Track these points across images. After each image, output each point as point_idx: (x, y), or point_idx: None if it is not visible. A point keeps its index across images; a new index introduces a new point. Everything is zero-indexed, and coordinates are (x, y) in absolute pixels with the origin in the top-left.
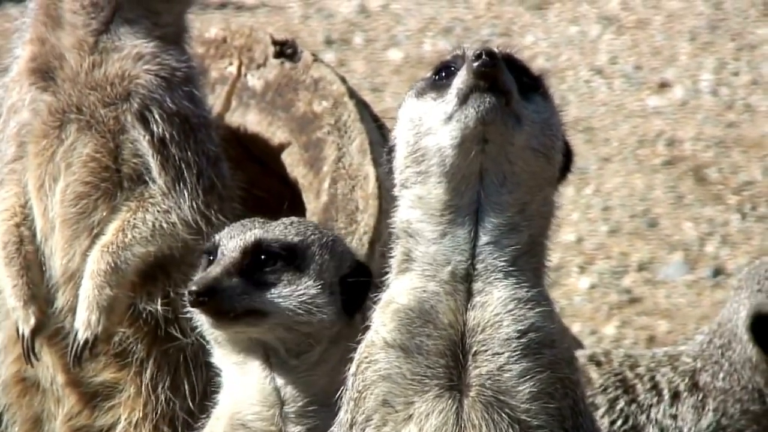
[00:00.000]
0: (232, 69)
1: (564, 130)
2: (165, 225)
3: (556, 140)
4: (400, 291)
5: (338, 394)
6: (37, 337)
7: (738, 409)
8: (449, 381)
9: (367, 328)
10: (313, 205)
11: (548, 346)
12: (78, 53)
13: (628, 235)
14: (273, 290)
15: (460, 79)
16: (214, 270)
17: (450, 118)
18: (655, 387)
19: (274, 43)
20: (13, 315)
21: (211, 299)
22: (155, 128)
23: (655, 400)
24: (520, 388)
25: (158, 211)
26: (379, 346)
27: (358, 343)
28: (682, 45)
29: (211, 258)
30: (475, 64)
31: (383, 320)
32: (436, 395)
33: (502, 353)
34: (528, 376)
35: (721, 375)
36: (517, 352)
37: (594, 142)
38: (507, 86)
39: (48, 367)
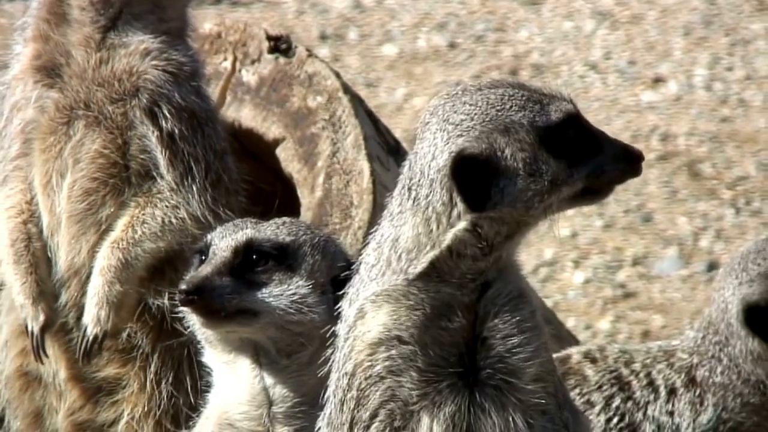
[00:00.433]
0: (227, 64)
1: None
2: (174, 220)
3: None
4: (410, 290)
5: (323, 396)
6: (46, 334)
7: (738, 403)
8: (461, 368)
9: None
10: (308, 200)
11: (545, 324)
12: (85, 50)
13: (623, 229)
14: (264, 290)
15: None
16: (205, 269)
17: None
18: (651, 384)
19: (269, 38)
20: (21, 312)
21: (202, 298)
22: (164, 124)
23: (651, 397)
24: (527, 370)
25: (167, 207)
26: (387, 344)
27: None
28: (676, 40)
29: (203, 257)
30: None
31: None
32: (450, 383)
33: (514, 335)
34: (533, 357)
35: (720, 370)
36: (526, 334)
37: None
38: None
39: (51, 361)
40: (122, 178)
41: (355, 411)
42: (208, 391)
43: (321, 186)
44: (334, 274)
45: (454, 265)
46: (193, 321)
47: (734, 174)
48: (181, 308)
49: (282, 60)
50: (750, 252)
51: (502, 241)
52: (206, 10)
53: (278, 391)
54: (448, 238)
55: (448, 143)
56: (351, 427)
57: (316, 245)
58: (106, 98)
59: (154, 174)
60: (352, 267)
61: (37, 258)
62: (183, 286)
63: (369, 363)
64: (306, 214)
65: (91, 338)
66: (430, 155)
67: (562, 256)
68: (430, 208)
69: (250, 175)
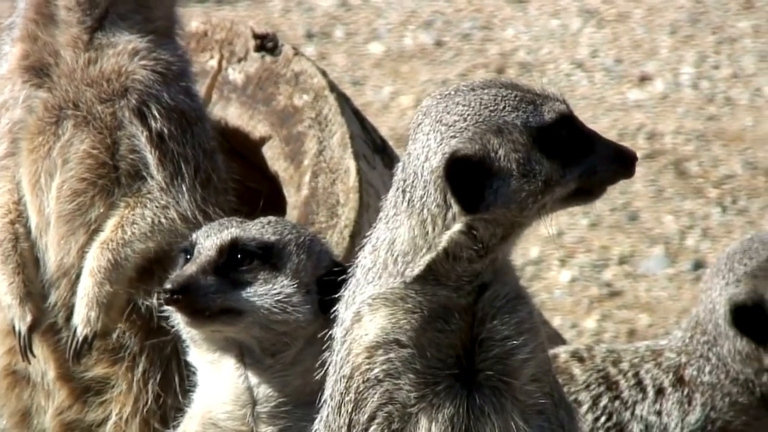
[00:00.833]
0: (213, 63)
1: None
2: (164, 220)
3: None
4: (408, 293)
5: (321, 399)
6: (34, 334)
7: (727, 402)
8: (459, 370)
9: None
10: (294, 199)
11: (542, 324)
12: (73, 50)
13: (609, 228)
14: (249, 289)
15: None
16: (190, 268)
17: None
18: (639, 383)
19: (255, 36)
20: (9, 313)
21: (187, 297)
22: (153, 124)
23: (639, 396)
24: (525, 371)
25: (156, 207)
26: (384, 347)
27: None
28: (663, 38)
29: (188, 256)
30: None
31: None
32: (448, 385)
33: (512, 337)
34: (531, 358)
35: (708, 369)
36: (525, 335)
37: None
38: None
39: (39, 361)
40: (111, 178)
41: (353, 414)
42: (194, 391)
43: (307, 184)
44: (320, 274)
45: (450, 268)
46: (177, 320)
47: (721, 173)
48: (166, 307)
49: (268, 58)
50: (736, 252)
51: (497, 243)
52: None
53: (262, 391)
54: (444, 240)
55: (441, 144)
56: (349, 430)
57: (301, 244)
58: (95, 98)
59: (144, 174)
60: (339, 267)
61: (24, 258)
62: (168, 285)
63: (367, 366)
64: (292, 213)
65: (81, 339)
66: (424, 156)
67: (548, 254)
68: (425, 210)
69: (236, 174)
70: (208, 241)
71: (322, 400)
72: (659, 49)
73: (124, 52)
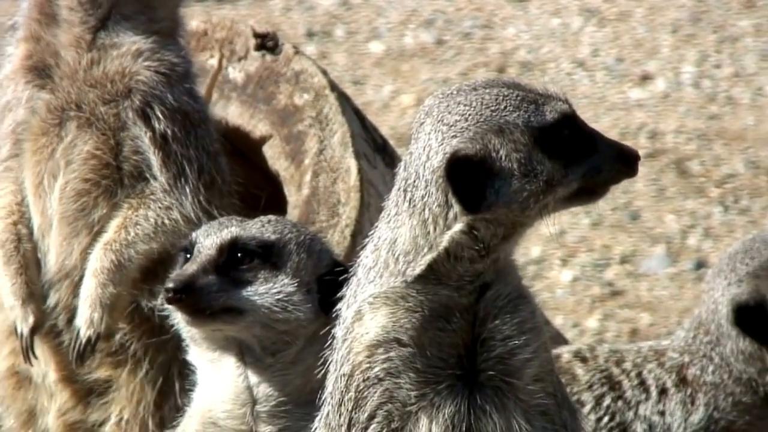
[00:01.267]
0: (213, 62)
1: None
2: (167, 222)
3: None
4: (409, 292)
5: (321, 398)
6: (36, 336)
7: (730, 402)
8: (461, 369)
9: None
10: (295, 198)
11: (543, 324)
12: (75, 51)
13: (611, 227)
14: (249, 288)
15: None
16: (190, 267)
17: None
18: (642, 383)
19: (256, 35)
20: (11, 314)
21: (188, 296)
22: (157, 125)
23: (642, 396)
24: (527, 371)
25: (160, 208)
26: (385, 346)
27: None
28: (664, 37)
29: (188, 255)
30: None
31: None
32: (449, 385)
33: (514, 336)
34: (534, 357)
35: (711, 369)
36: (527, 335)
37: None
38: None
39: (41, 363)
40: (115, 179)
41: (353, 412)
42: (193, 390)
43: (308, 184)
44: (320, 273)
45: (452, 268)
46: (178, 319)
47: (722, 172)
48: (167, 306)
49: (269, 57)
50: (738, 252)
51: (498, 243)
52: (193, 7)
53: (262, 390)
54: (445, 240)
55: (442, 144)
56: (349, 429)
57: (301, 243)
58: (98, 99)
59: (147, 175)
60: (339, 266)
61: (27, 259)
62: (169, 285)
63: (367, 365)
64: (293, 212)
65: (84, 340)
66: (425, 156)
67: (549, 254)
68: (427, 210)
69: (236, 173)
70: (208, 240)
71: (323, 399)
72: (660, 48)
73: (128, 52)
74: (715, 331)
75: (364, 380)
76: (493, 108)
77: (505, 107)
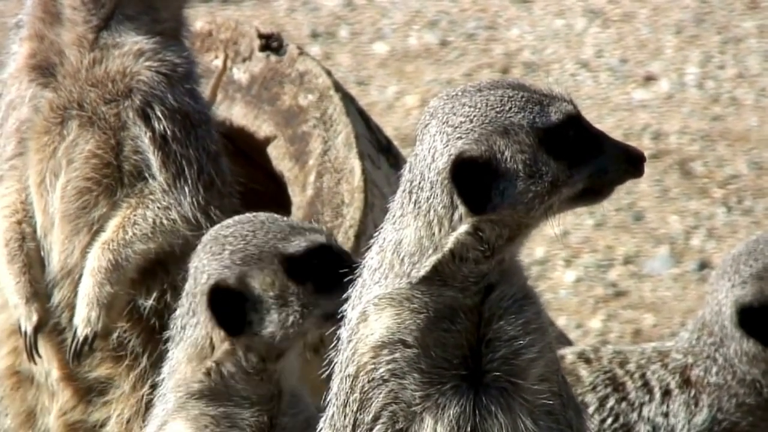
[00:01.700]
0: (218, 62)
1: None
2: (165, 222)
3: None
4: (414, 293)
5: (325, 399)
6: (39, 334)
7: (733, 404)
8: (465, 370)
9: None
10: (299, 199)
11: (549, 325)
12: (78, 50)
13: (614, 228)
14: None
15: None
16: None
17: None
18: (646, 385)
19: (260, 36)
20: (15, 312)
21: None
22: (156, 125)
23: (646, 398)
24: (532, 371)
25: (158, 208)
26: (390, 347)
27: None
28: (668, 38)
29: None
30: None
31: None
32: (454, 386)
33: (519, 337)
34: (539, 357)
35: (715, 370)
36: (532, 335)
37: None
38: None
39: (43, 361)
40: (115, 178)
41: (358, 413)
42: None
43: (312, 184)
44: None
45: (457, 269)
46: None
47: (726, 173)
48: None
49: (273, 58)
50: (741, 254)
51: (503, 244)
52: (197, 8)
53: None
54: (450, 241)
55: (447, 145)
56: (353, 430)
57: None
58: (99, 99)
59: (147, 175)
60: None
61: (30, 258)
62: None
63: (372, 366)
64: (297, 213)
65: (81, 339)
66: (430, 158)
67: (553, 255)
68: (432, 212)
69: (240, 174)
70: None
71: (327, 400)
72: (664, 49)
73: (130, 52)
74: (719, 332)
75: (368, 381)
76: (498, 109)
77: (510, 108)
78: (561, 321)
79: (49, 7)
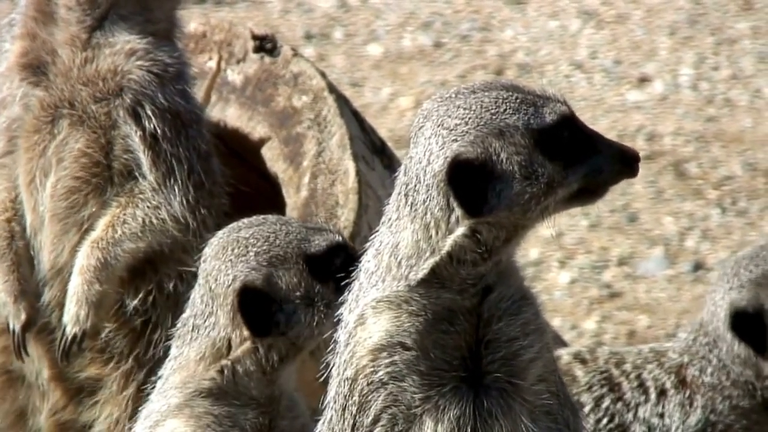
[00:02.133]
0: (212, 64)
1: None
2: (155, 221)
3: None
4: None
5: (323, 402)
6: (28, 333)
7: (727, 405)
8: (465, 372)
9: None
10: (293, 200)
11: (546, 325)
12: (70, 49)
13: (609, 229)
14: None
15: None
16: None
17: None
18: (642, 385)
19: (254, 37)
20: (3, 311)
21: None
22: (147, 124)
23: (642, 398)
24: (531, 371)
25: (148, 207)
26: (389, 350)
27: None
28: (662, 39)
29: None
30: None
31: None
32: (453, 387)
33: (518, 338)
34: (537, 358)
35: (710, 370)
36: (531, 336)
37: None
38: None
39: (34, 361)
40: (105, 177)
41: (357, 416)
42: None
43: (306, 186)
44: None
45: (455, 271)
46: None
47: (720, 174)
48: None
49: (267, 59)
50: (744, 258)
51: (500, 245)
52: (191, 9)
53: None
54: (448, 244)
55: (443, 148)
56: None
57: None
58: (90, 97)
59: (137, 174)
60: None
61: (19, 256)
62: None
63: (371, 369)
64: (291, 214)
65: (69, 338)
66: (426, 160)
67: (547, 256)
68: (429, 214)
69: (234, 175)
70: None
71: (325, 403)
72: (658, 50)
73: (121, 51)
74: (713, 332)
75: (368, 384)
76: (492, 111)
77: (505, 110)
78: (556, 322)
79: (43, 6)
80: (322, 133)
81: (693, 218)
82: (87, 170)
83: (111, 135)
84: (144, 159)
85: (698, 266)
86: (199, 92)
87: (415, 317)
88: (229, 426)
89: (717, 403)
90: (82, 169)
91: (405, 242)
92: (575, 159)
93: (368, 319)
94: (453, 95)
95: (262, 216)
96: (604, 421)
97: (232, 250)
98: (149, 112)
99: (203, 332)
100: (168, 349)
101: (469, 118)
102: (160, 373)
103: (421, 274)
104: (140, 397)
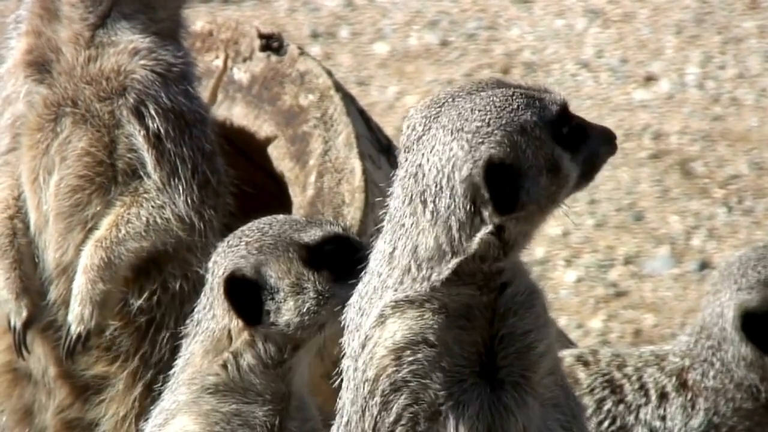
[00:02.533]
0: (218, 62)
1: None
2: (159, 220)
3: None
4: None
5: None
6: (29, 330)
7: (730, 408)
8: (480, 366)
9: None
10: (300, 199)
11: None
12: (74, 47)
13: (615, 228)
14: None
15: None
16: None
17: None
18: (643, 387)
19: (260, 36)
20: (5, 307)
21: None
22: (150, 123)
23: (643, 401)
24: (543, 363)
25: (152, 207)
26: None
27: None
28: (668, 38)
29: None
30: None
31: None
32: (473, 382)
33: (532, 331)
34: (547, 351)
35: (712, 374)
36: (542, 328)
37: None
38: None
39: (40, 359)
40: (109, 176)
41: (378, 417)
42: None
43: (313, 184)
44: None
45: (477, 268)
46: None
47: (726, 173)
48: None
49: (274, 58)
50: (750, 258)
51: (523, 239)
52: (198, 8)
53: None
54: (474, 243)
55: (470, 152)
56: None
57: None
58: (93, 96)
59: (141, 173)
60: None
61: (21, 254)
62: None
63: (393, 368)
64: (298, 213)
65: (74, 336)
66: (450, 166)
67: (553, 255)
68: (452, 218)
69: (240, 174)
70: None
71: (339, 408)
72: (664, 49)
73: (125, 51)
74: (718, 334)
75: (390, 384)
76: (508, 109)
77: (518, 107)
78: (562, 321)
79: (47, 3)
80: (328, 132)
81: (699, 217)
82: (90, 169)
83: (114, 134)
84: (148, 158)
85: (704, 265)
86: (205, 91)
87: (437, 314)
88: (238, 424)
89: (720, 406)
90: (85, 167)
91: (424, 245)
92: (576, 146)
93: (388, 319)
94: (453, 98)
95: (273, 215)
96: (606, 423)
97: (229, 243)
98: (152, 112)
99: (205, 326)
100: (176, 347)
101: (489, 119)
102: (172, 371)
103: (444, 274)
104: (149, 396)
